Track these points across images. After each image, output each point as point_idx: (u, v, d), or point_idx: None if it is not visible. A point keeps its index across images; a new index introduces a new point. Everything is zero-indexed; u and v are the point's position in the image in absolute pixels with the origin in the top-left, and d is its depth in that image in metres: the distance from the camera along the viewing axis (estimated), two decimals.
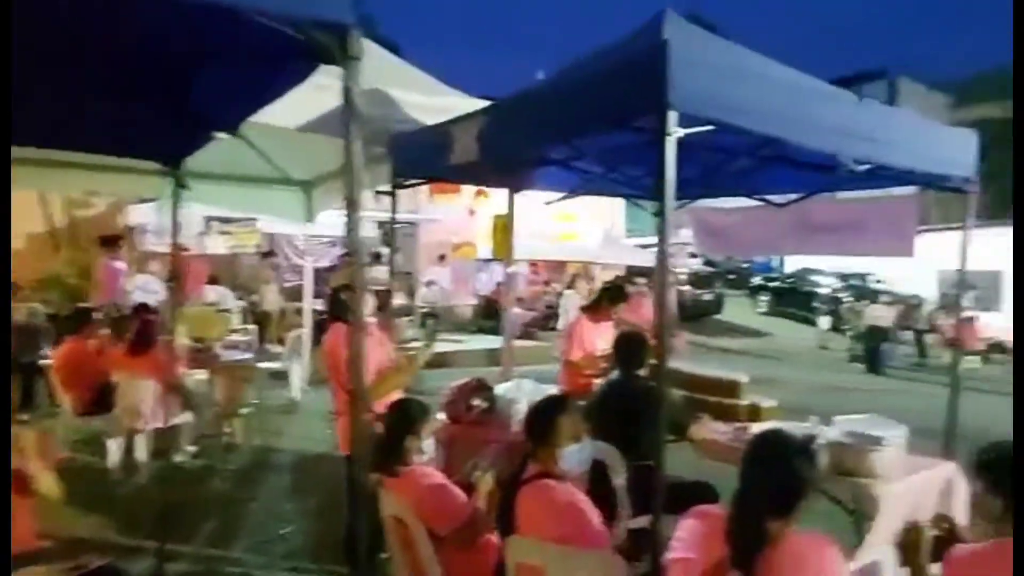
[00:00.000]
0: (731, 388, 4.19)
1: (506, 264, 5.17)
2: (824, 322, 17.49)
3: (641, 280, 11.85)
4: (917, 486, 3.21)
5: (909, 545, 2.36)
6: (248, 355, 7.10)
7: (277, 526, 4.55)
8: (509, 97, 3.12)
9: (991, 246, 19.62)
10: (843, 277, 19.06)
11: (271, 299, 10.95)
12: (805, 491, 1.98)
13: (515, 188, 4.65)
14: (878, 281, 18.64)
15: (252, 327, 9.37)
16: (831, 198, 4.14)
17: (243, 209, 7.67)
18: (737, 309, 20.68)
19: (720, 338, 17.73)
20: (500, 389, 4.29)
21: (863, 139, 2.77)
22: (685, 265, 20.64)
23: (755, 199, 4.36)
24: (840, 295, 18.32)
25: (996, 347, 14.48)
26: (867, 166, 2.84)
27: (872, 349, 13.84)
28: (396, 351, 3.88)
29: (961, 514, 3.13)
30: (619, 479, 3.33)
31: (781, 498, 1.97)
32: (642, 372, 3.81)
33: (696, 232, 4.88)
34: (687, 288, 18.37)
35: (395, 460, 2.81)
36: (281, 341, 8.67)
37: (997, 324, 15.70)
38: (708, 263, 23.37)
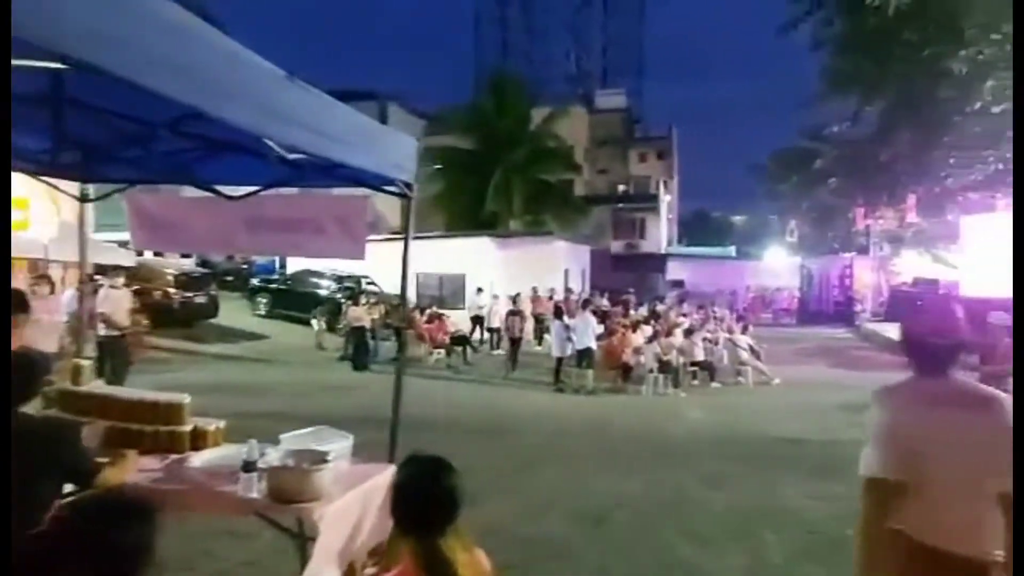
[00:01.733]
0: (171, 412, 3.49)
1: None
2: (320, 323, 17.99)
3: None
4: (360, 500, 3.08)
5: None
6: None
7: None
8: None
9: (455, 253, 23.10)
10: (339, 279, 19.97)
11: None
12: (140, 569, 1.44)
13: None
14: (370, 283, 20.13)
15: None
16: (289, 194, 3.83)
17: None
18: (235, 312, 19.76)
19: (215, 344, 16.60)
20: None
21: (297, 125, 2.44)
22: (176, 265, 18.71)
23: (207, 190, 3.76)
24: (336, 296, 19.13)
25: (459, 339, 17.01)
26: (300, 155, 2.53)
27: (356, 348, 14.73)
28: None
29: None
30: None
31: None
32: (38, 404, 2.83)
33: (132, 223, 3.98)
34: (176, 291, 16.62)
35: None
36: None
37: (460, 319, 18.58)
38: (203, 263, 21.77)
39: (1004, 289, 16.89)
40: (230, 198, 3.75)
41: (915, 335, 2.43)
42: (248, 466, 2.86)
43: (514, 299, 17.40)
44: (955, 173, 17.50)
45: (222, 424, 3.56)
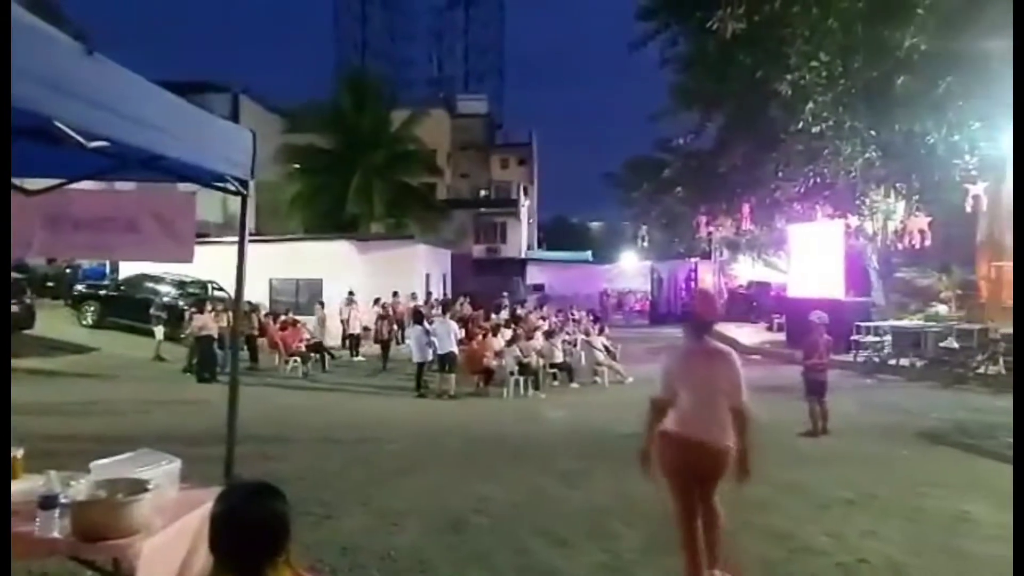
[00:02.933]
0: None
1: None
2: (161, 332, 16.54)
3: None
4: (191, 530, 2.77)
5: None
6: None
7: None
8: None
9: (313, 256, 22.06)
10: (181, 284, 18.48)
11: None
12: None
13: None
14: (218, 288, 18.77)
15: None
16: (101, 190, 3.40)
17: None
18: (56, 321, 17.70)
19: (31, 358, 14.74)
20: None
21: (98, 107, 2.13)
22: None
23: None
24: (179, 303, 17.67)
25: (315, 347, 16.31)
26: (104, 143, 2.21)
27: (202, 358, 13.68)
28: None
29: None
30: None
31: None
32: None
33: None
34: None
35: None
36: None
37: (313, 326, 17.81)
38: (18, 268, 19.34)
39: (823, 290, 18.72)
40: (27, 192, 3.26)
41: (686, 313, 4.20)
42: (47, 502, 2.47)
43: (383, 304, 17.32)
44: (782, 186, 19.26)
45: (19, 453, 3.08)
